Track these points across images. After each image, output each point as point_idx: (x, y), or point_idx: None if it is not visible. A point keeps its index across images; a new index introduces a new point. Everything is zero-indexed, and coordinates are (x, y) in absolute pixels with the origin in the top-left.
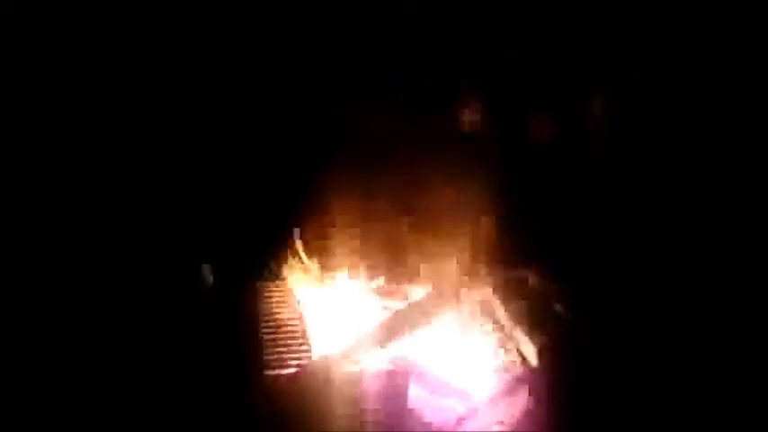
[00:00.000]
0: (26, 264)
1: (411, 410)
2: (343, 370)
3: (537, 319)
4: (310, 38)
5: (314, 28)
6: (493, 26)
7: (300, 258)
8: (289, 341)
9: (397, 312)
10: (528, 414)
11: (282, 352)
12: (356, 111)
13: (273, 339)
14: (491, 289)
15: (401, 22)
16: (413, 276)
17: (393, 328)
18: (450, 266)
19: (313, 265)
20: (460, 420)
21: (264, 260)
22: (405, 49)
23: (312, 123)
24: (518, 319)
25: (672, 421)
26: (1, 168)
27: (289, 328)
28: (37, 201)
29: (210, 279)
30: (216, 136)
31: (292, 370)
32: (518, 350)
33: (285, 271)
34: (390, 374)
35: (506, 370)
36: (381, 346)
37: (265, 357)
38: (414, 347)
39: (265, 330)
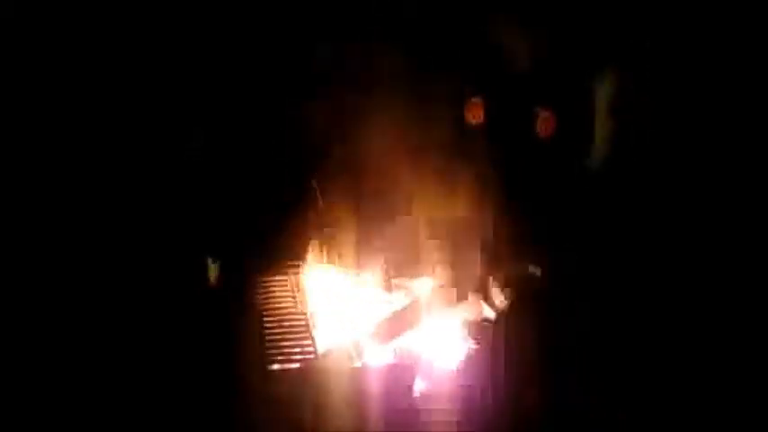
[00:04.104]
0: (31, 261)
1: (415, 404)
2: (348, 365)
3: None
4: (311, 33)
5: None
6: (497, 20)
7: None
8: (292, 336)
9: (402, 307)
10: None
11: (286, 347)
12: (359, 105)
13: (277, 334)
14: (494, 283)
15: (403, 18)
16: (417, 271)
17: (397, 323)
18: (454, 261)
19: (317, 259)
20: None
21: (267, 255)
22: (408, 42)
23: (314, 118)
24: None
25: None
26: (3, 163)
27: (293, 323)
28: (39, 197)
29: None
30: (218, 131)
31: (296, 365)
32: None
33: (290, 266)
34: (394, 369)
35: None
36: (385, 341)
37: (269, 352)
38: (418, 342)
39: (269, 325)
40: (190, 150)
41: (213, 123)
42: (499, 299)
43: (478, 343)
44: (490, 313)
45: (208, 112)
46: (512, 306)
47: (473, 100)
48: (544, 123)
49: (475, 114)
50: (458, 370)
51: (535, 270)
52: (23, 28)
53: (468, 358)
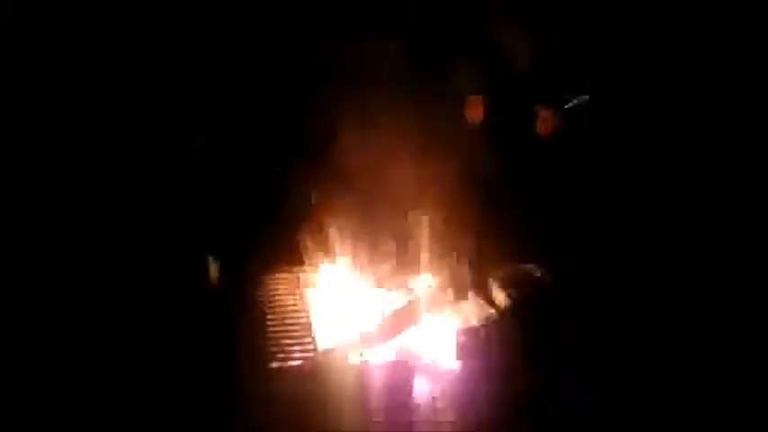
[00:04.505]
0: (32, 259)
1: (415, 401)
2: (348, 363)
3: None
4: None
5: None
6: (498, 21)
7: (306, 251)
8: (293, 334)
9: (402, 305)
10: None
11: (287, 344)
12: (359, 106)
13: (278, 332)
14: (494, 282)
15: (403, 17)
16: (417, 270)
17: (397, 321)
18: (454, 260)
19: (317, 258)
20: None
21: (268, 253)
22: (408, 42)
23: (314, 118)
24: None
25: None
26: (3, 163)
27: (293, 321)
28: (42, 197)
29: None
30: (219, 131)
31: (297, 362)
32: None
33: (290, 264)
34: (394, 366)
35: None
36: (386, 339)
37: (270, 350)
38: (418, 340)
39: (270, 323)
40: (190, 150)
41: (213, 123)
42: (500, 298)
43: (477, 341)
44: (489, 312)
45: (208, 112)
46: (513, 306)
47: (472, 99)
48: (544, 123)
49: (475, 113)
50: (456, 366)
51: (534, 270)
52: (24, 28)
53: (466, 354)
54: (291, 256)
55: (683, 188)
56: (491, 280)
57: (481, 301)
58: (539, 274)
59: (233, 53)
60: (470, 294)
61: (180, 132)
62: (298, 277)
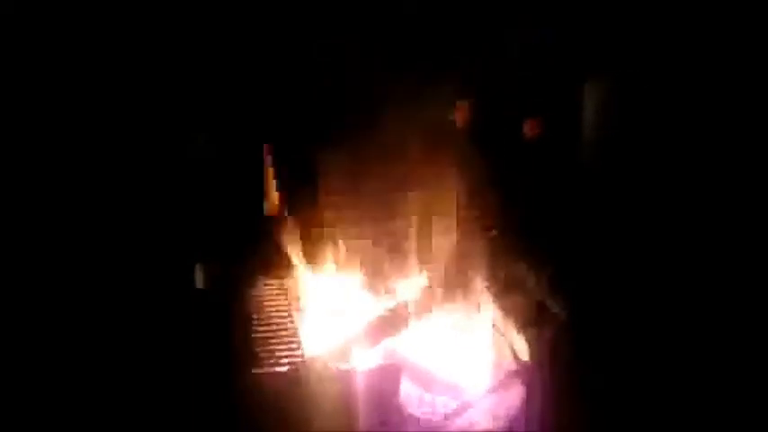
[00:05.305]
0: (21, 262)
1: (402, 407)
2: (334, 367)
3: (529, 314)
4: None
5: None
6: (490, 23)
7: (291, 256)
8: (280, 339)
9: (389, 310)
10: (520, 410)
11: (274, 350)
12: (354, 110)
13: (265, 338)
14: (484, 285)
15: (399, 18)
16: (405, 274)
17: (384, 326)
18: (444, 263)
19: (304, 262)
20: (452, 416)
21: (254, 258)
22: (402, 45)
23: (307, 124)
24: (510, 314)
25: (670, 420)
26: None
27: (280, 327)
28: (33, 200)
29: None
30: (212, 135)
31: (283, 368)
32: (510, 346)
33: (277, 269)
34: (381, 371)
35: (498, 366)
36: (373, 344)
37: (256, 355)
38: (405, 345)
39: (257, 329)
40: (192, 152)
41: (215, 126)
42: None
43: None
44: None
45: (210, 116)
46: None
47: (460, 103)
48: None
49: (463, 116)
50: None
51: (525, 271)
52: (27, 27)
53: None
54: (279, 262)
55: (680, 189)
56: (480, 281)
57: (470, 307)
58: (529, 277)
59: (231, 63)
60: (457, 298)
61: (182, 135)
62: (285, 282)
